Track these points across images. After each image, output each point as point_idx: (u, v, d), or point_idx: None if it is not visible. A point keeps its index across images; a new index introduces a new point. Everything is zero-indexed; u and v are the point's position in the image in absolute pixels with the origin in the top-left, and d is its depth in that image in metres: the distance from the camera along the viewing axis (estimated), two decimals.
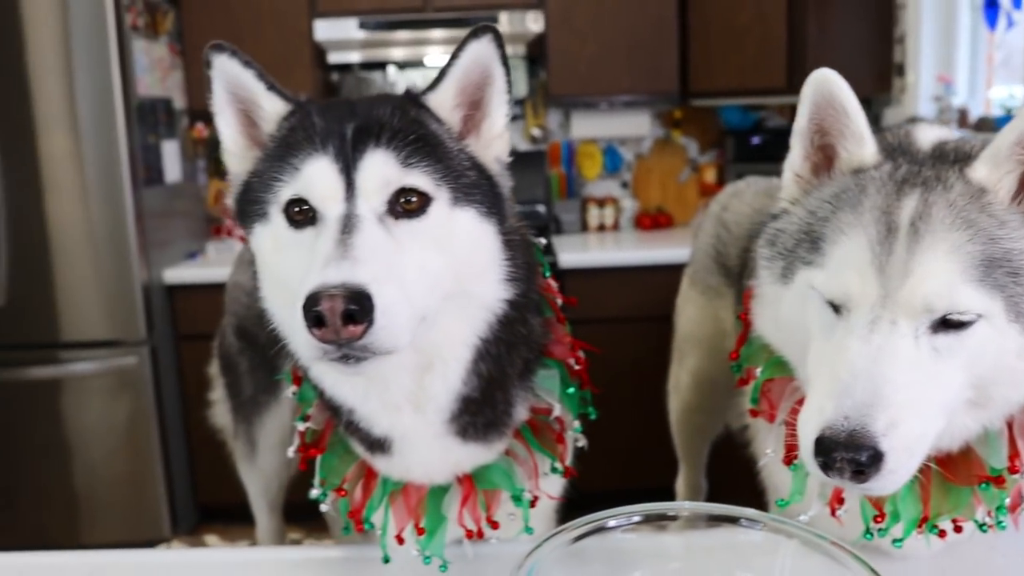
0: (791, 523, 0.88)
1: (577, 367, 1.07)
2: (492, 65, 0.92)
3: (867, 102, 3.68)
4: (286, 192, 0.87)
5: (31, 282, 3.24)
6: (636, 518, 0.89)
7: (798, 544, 0.87)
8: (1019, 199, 0.83)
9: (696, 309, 1.75)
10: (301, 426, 1.04)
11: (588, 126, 4.03)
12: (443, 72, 0.93)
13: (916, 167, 0.85)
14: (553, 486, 1.08)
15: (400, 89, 3.94)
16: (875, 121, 3.57)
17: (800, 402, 0.89)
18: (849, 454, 0.75)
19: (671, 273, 3.41)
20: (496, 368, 0.95)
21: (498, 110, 0.94)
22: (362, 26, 3.66)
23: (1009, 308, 0.78)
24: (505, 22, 3.67)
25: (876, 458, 0.75)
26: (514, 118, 4.13)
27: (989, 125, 2.88)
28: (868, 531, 0.91)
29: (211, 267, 3.58)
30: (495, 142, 0.95)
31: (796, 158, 0.93)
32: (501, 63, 0.92)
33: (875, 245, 0.80)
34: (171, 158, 3.56)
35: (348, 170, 0.84)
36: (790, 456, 0.91)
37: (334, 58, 3.70)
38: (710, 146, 4.18)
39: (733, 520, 0.90)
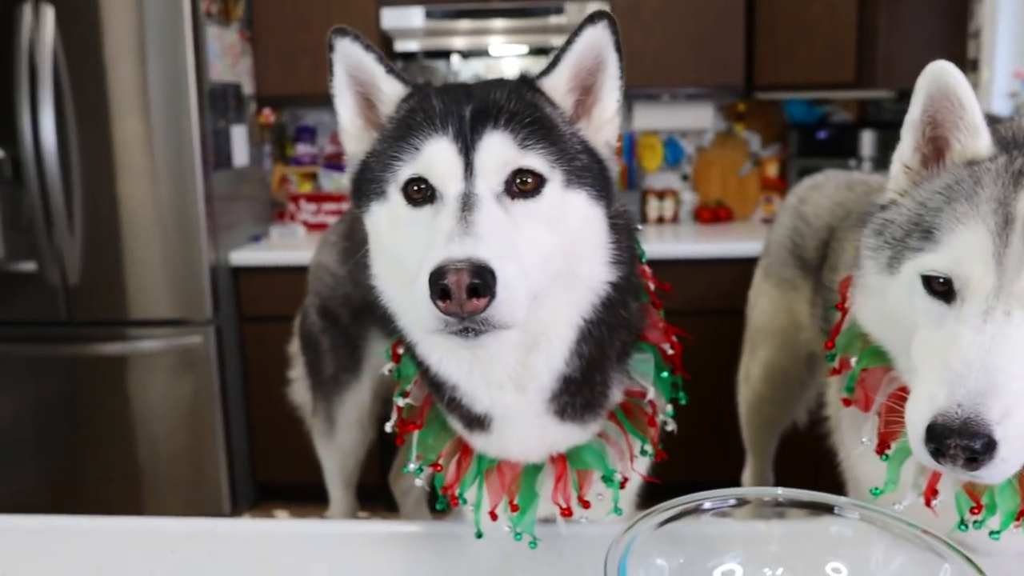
0: (885, 512, 0.88)
1: (671, 352, 1.07)
2: (606, 51, 0.93)
3: None
4: (405, 171, 0.89)
5: (103, 262, 3.33)
6: (731, 501, 0.90)
7: (891, 535, 0.87)
8: None
9: (770, 301, 1.74)
10: (400, 401, 1.07)
11: (650, 118, 4.02)
12: (558, 57, 0.94)
13: None
14: (640, 468, 1.09)
15: (462, 78, 3.98)
16: None
17: (898, 392, 0.89)
18: (963, 441, 0.75)
19: (730, 267, 3.43)
20: (597, 349, 0.97)
21: (610, 95, 0.95)
22: (428, 15, 3.69)
23: None
24: (571, 12, 3.67)
25: (989, 446, 0.75)
26: None
27: None
28: (963, 523, 0.90)
29: (274, 250, 3.65)
30: (605, 127, 0.97)
31: (906, 149, 0.93)
32: (615, 49, 0.93)
33: (993, 236, 0.80)
34: (239, 142, 3.63)
35: (467, 150, 0.87)
36: (883, 446, 0.91)
37: (400, 47, 3.74)
38: (773, 140, 4.14)
39: (827, 508, 0.91)
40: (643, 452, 1.05)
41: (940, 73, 0.88)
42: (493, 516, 1.02)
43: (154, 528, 1.17)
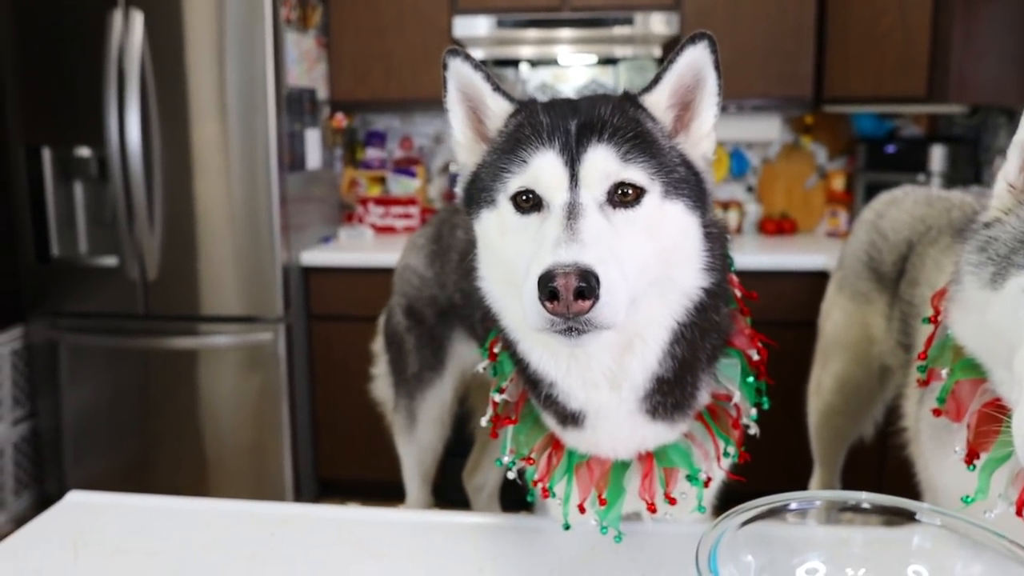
0: (967, 519, 0.90)
1: (756, 358, 1.11)
2: (705, 69, 0.98)
3: (1010, 112, 3.57)
4: (515, 183, 0.95)
5: (180, 258, 3.45)
6: (817, 502, 0.93)
7: (973, 542, 0.90)
8: None
9: (844, 314, 1.76)
10: (496, 397, 1.12)
11: (716, 128, 4.01)
12: (660, 75, 0.99)
13: None
14: (724, 468, 1.13)
15: (531, 85, 4.02)
16: None
17: (991, 403, 0.92)
18: None
19: (793, 280, 3.43)
20: (688, 352, 1.01)
21: (708, 111, 1.00)
22: (498, 24, 3.75)
23: None
24: (640, 23, 3.71)
25: None
26: None
27: None
28: None
29: (343, 251, 3.74)
30: (703, 141, 1.02)
31: (1012, 169, 0.97)
32: (714, 68, 0.98)
33: None
34: (312, 146, 3.73)
35: (573, 163, 0.92)
36: (972, 455, 0.94)
37: (472, 54, 3.79)
38: (840, 153, 4.12)
39: (909, 515, 0.93)
40: (726, 453, 1.09)
41: None
42: (582, 509, 1.06)
43: (253, 511, 1.23)
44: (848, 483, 2.01)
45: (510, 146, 0.97)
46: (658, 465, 1.06)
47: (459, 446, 2.15)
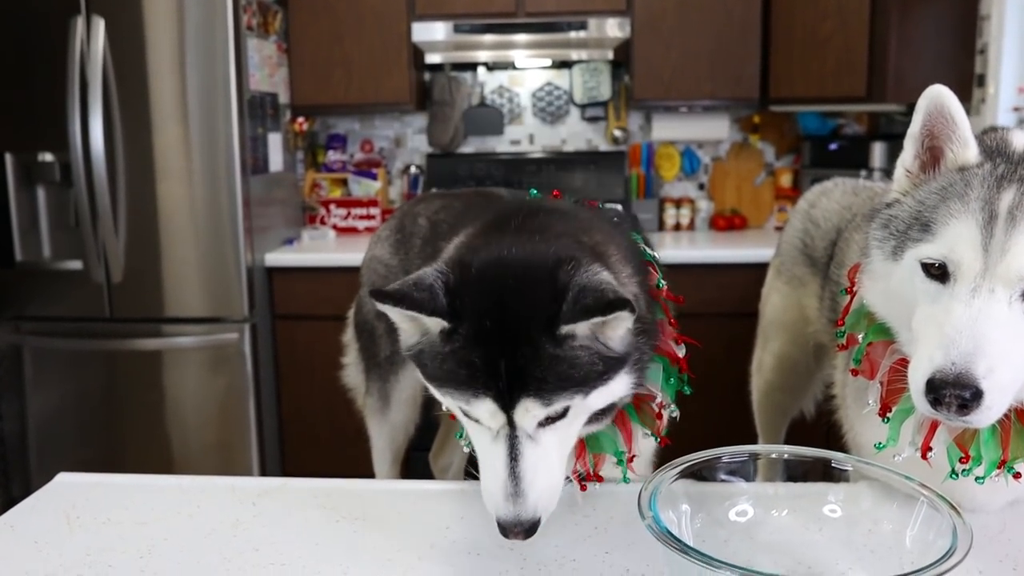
0: (873, 463, 1.03)
1: (680, 357, 1.25)
2: (620, 317, 1.03)
3: None
4: (460, 405, 1.06)
5: (145, 261, 3.49)
6: (745, 455, 1.05)
7: (881, 486, 1.02)
8: None
9: (781, 297, 1.90)
10: None
11: (668, 129, 4.17)
12: (578, 317, 1.01)
13: (1012, 166, 1.02)
14: (648, 447, 1.30)
15: (488, 88, 4.11)
16: None
17: (899, 362, 1.05)
18: (956, 391, 0.92)
19: (743, 272, 3.57)
20: None
21: (621, 323, 1.06)
22: (456, 29, 3.86)
23: None
24: (593, 27, 3.84)
25: (977, 396, 0.91)
26: (596, 119, 4.28)
27: None
28: (953, 472, 1.06)
29: (306, 252, 3.81)
30: (620, 330, 1.07)
31: (908, 157, 1.10)
32: (632, 315, 1.04)
33: (981, 228, 0.97)
34: (275, 149, 3.80)
35: (508, 409, 1.02)
36: (885, 409, 1.08)
37: (429, 58, 3.90)
38: (787, 151, 4.28)
39: (826, 462, 1.06)
40: (646, 435, 1.24)
41: (937, 95, 1.05)
42: None
43: (234, 485, 1.32)
44: None
45: (450, 371, 1.04)
46: (589, 451, 1.20)
47: (423, 441, 2.24)
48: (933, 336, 0.97)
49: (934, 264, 1.00)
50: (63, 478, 1.36)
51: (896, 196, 1.11)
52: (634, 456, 1.23)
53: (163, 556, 1.11)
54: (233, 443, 3.63)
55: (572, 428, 1.08)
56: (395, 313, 1.08)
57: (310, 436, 3.79)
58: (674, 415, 1.29)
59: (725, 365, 3.21)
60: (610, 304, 1.00)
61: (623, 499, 1.23)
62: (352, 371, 2.06)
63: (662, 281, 1.27)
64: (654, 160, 4.27)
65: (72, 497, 1.29)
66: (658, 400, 1.23)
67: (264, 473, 3.65)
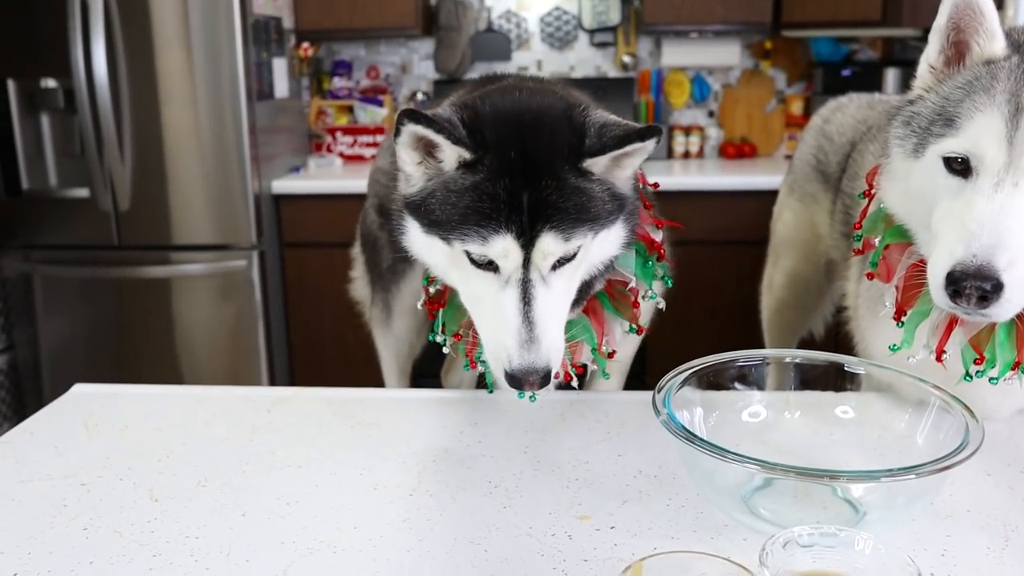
0: (888, 366, 1.03)
1: (657, 241, 1.25)
2: (647, 147, 1.06)
3: None
4: (473, 247, 1.04)
5: (152, 188, 3.48)
6: (759, 359, 1.05)
7: (892, 393, 1.03)
8: None
9: (793, 215, 1.88)
10: (433, 289, 1.27)
11: (678, 55, 4.10)
12: (605, 148, 1.05)
13: None
14: (629, 343, 1.33)
15: (495, 13, 4.03)
16: None
17: (916, 265, 1.05)
18: (977, 283, 0.92)
19: (753, 200, 3.54)
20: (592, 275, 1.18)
21: (639, 157, 1.09)
22: None
23: None
24: None
25: (997, 288, 0.92)
26: (605, 45, 4.21)
27: None
28: (967, 374, 1.06)
29: (312, 180, 3.79)
30: (630, 168, 1.11)
31: (933, 52, 1.08)
32: (655, 144, 1.06)
33: (1006, 121, 0.96)
34: (280, 75, 3.76)
35: (527, 247, 1.03)
36: (900, 313, 1.08)
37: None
38: (798, 78, 4.21)
39: (839, 366, 1.06)
40: (631, 329, 1.25)
41: None
42: None
43: (248, 395, 1.34)
44: None
45: (470, 208, 1.03)
46: (565, 338, 1.18)
47: (433, 368, 2.25)
48: (954, 230, 0.96)
49: (957, 159, 0.99)
50: (79, 388, 1.38)
51: (919, 93, 1.09)
52: (614, 352, 1.25)
53: (181, 459, 1.13)
54: (243, 370, 3.66)
55: (576, 276, 1.09)
56: (411, 142, 1.07)
57: (319, 362, 3.82)
58: (660, 306, 1.31)
59: (735, 292, 3.22)
60: (638, 133, 1.03)
61: (636, 405, 1.24)
62: (359, 284, 2.07)
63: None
64: (663, 87, 4.20)
65: (89, 406, 1.30)
66: (631, 286, 1.23)
67: None
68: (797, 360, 1.06)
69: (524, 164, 1.03)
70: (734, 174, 3.77)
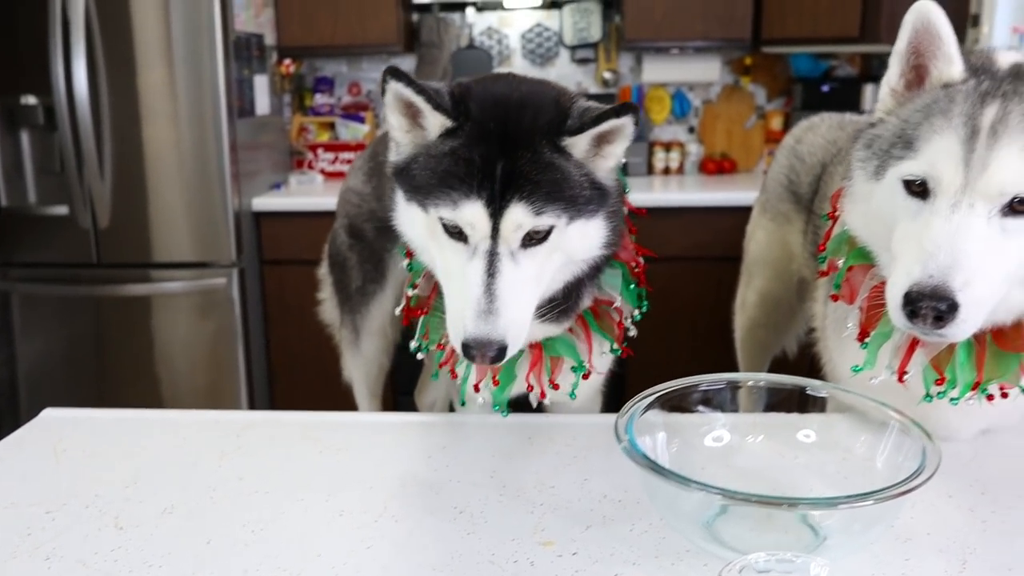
0: (849, 389, 1.05)
1: (637, 269, 1.26)
2: (626, 127, 1.08)
3: None
4: (445, 212, 1.05)
5: (131, 206, 3.47)
6: (723, 383, 1.06)
7: (855, 413, 1.04)
8: None
9: (766, 234, 1.90)
10: (410, 291, 1.26)
11: (659, 71, 4.13)
12: (584, 127, 1.07)
13: (996, 83, 1.02)
14: (604, 363, 1.32)
15: (477, 30, 4.05)
16: None
17: (878, 287, 1.06)
18: (932, 302, 0.93)
19: (733, 215, 3.54)
20: (576, 281, 1.19)
21: (621, 144, 1.11)
22: None
23: None
24: None
25: (953, 308, 0.93)
26: (586, 61, 4.24)
27: None
28: (928, 395, 1.07)
29: (293, 197, 3.79)
30: (612, 158, 1.13)
31: (893, 76, 1.10)
32: (633, 125, 1.08)
33: (962, 143, 0.97)
34: (261, 92, 3.76)
35: (496, 216, 1.04)
36: (863, 335, 1.09)
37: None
38: (778, 94, 4.25)
39: (802, 387, 1.07)
40: (614, 350, 1.26)
41: (925, 10, 1.05)
42: (476, 388, 1.23)
43: (219, 419, 1.33)
44: None
45: (445, 172, 1.06)
46: (546, 355, 1.21)
47: (409, 385, 2.25)
48: (912, 251, 0.98)
49: (915, 181, 1.01)
50: (49, 413, 1.38)
51: (880, 116, 1.11)
52: (591, 371, 1.25)
53: (148, 485, 1.13)
54: (222, 388, 3.65)
55: (549, 264, 1.09)
56: (397, 105, 1.09)
57: (298, 379, 3.81)
58: (632, 333, 1.31)
59: (714, 307, 3.22)
60: (615, 110, 1.05)
61: (605, 429, 1.24)
62: (328, 306, 2.08)
63: (628, 189, 1.28)
64: (644, 103, 4.23)
65: (59, 431, 1.30)
66: (616, 305, 1.25)
67: None
68: (762, 384, 1.07)
69: (503, 136, 1.05)
70: (714, 190, 3.79)
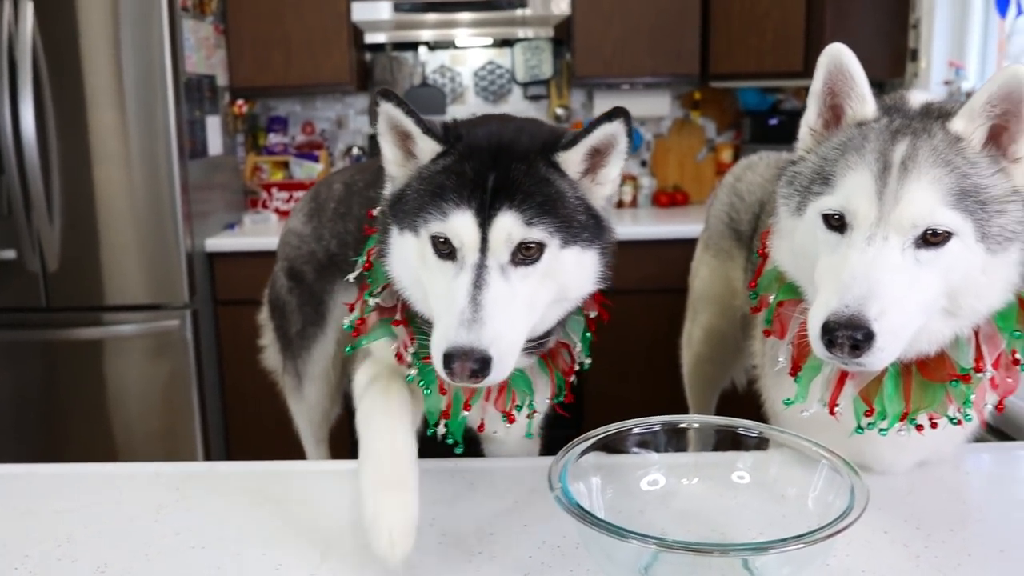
0: (780, 430, 1.06)
1: (592, 316, 1.25)
2: (618, 137, 1.08)
3: (881, 85, 3.81)
4: (436, 227, 1.04)
5: (81, 249, 3.43)
6: (656, 426, 1.07)
7: (787, 452, 1.05)
8: (988, 146, 1.03)
9: (709, 271, 1.92)
10: (371, 300, 1.22)
11: (610, 106, 4.14)
12: (577, 138, 1.08)
13: (907, 121, 1.05)
14: (544, 406, 1.29)
15: (430, 68, 4.08)
16: None
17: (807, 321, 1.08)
18: (848, 332, 0.95)
19: (686, 247, 3.55)
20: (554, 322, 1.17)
21: (616, 164, 1.11)
22: (396, 8, 3.83)
23: (977, 230, 0.99)
24: (534, 5, 3.83)
25: (869, 337, 0.95)
26: (539, 98, 4.29)
27: None
28: (859, 427, 1.09)
29: (248, 237, 3.77)
30: (608, 184, 1.13)
31: (811, 115, 1.14)
32: (625, 136, 1.08)
33: (875, 178, 1.01)
34: (214, 132, 3.75)
35: (485, 225, 1.02)
36: (795, 368, 1.11)
37: (370, 39, 3.86)
38: (727, 127, 4.32)
39: (734, 428, 1.08)
40: (557, 396, 1.26)
41: (837, 53, 1.08)
42: (446, 415, 1.20)
43: (159, 471, 1.31)
44: None
45: (435, 188, 1.05)
46: (507, 387, 1.19)
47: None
48: (831, 283, 1.00)
49: (834, 215, 1.03)
50: None
51: (801, 154, 1.14)
52: (535, 412, 1.24)
53: (81, 544, 1.11)
54: (177, 431, 3.59)
55: (541, 288, 1.06)
56: (389, 132, 1.09)
57: (254, 421, 3.76)
58: (571, 380, 1.30)
59: (669, 339, 3.24)
60: (607, 115, 1.05)
61: (543, 472, 1.24)
62: (270, 352, 2.04)
63: None
64: None
65: None
66: (577, 351, 1.25)
67: (209, 460, 3.62)
68: (696, 425, 1.08)
69: (497, 150, 1.05)
70: (667, 223, 3.84)
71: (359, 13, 3.83)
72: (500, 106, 4.32)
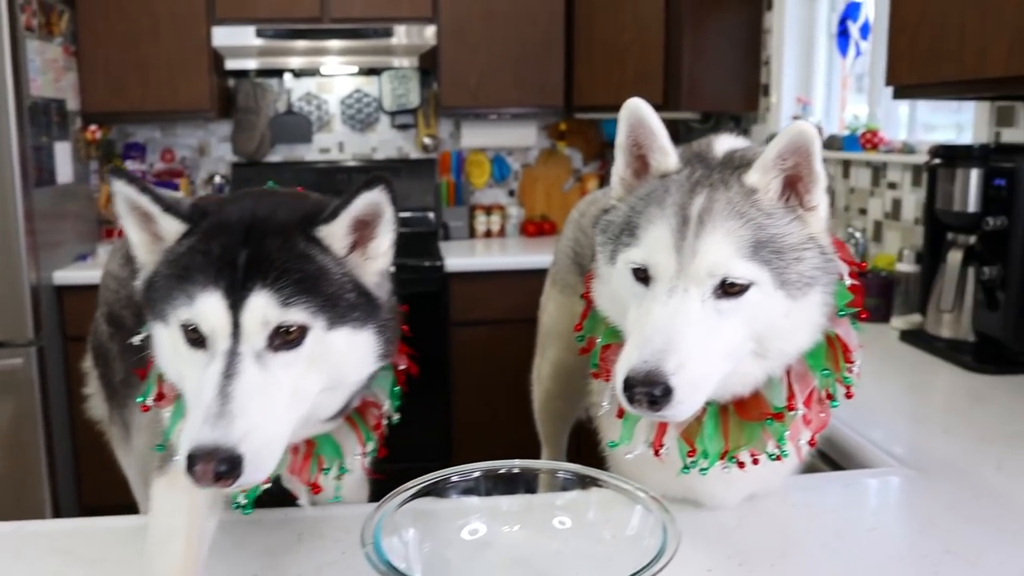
0: (595, 472, 1.07)
1: (401, 368, 1.22)
2: (383, 205, 1.02)
3: (737, 119, 3.97)
4: (184, 313, 0.96)
5: None
6: (476, 473, 1.06)
7: (606, 493, 1.06)
8: (785, 196, 1.06)
9: (556, 306, 1.94)
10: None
11: (477, 136, 4.22)
12: (338, 210, 0.99)
13: (708, 172, 1.08)
14: (364, 461, 1.23)
15: (296, 95, 4.01)
16: (745, 135, 3.84)
17: None
18: (645, 388, 0.95)
19: None
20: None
21: (385, 236, 1.05)
22: (259, 34, 3.75)
23: (775, 278, 1.02)
24: (400, 34, 3.83)
25: (667, 392, 0.95)
26: (407, 127, 4.28)
27: (836, 143, 3.16)
28: (685, 466, 1.11)
29: (100, 268, 3.58)
30: (380, 258, 1.06)
31: (620, 165, 1.15)
32: (390, 204, 1.02)
33: (674, 232, 1.02)
34: (63, 159, 3.57)
35: (236, 307, 0.94)
36: (621, 411, 1.11)
37: (231, 64, 3.78)
38: (593, 157, 4.42)
39: (553, 472, 1.09)
40: (370, 453, 1.21)
41: (636, 108, 1.10)
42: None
43: None
44: (574, 460, 2.20)
45: (180, 270, 0.97)
46: (314, 453, 1.14)
47: None
48: (634, 336, 1.01)
49: (639, 268, 1.05)
50: None
51: (614, 202, 1.15)
52: (345, 473, 1.19)
53: None
54: (23, 476, 3.38)
55: (309, 379, 0.98)
56: (134, 217, 1.01)
57: (108, 464, 3.55)
58: (395, 422, 1.27)
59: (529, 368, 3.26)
60: (366, 183, 0.99)
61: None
62: (95, 401, 1.92)
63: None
64: (464, 167, 4.30)
65: None
66: (384, 408, 1.21)
67: (57, 506, 3.43)
68: (516, 471, 1.08)
69: (249, 226, 0.97)
70: (534, 252, 3.87)
71: (220, 38, 3.74)
72: (367, 135, 4.29)
